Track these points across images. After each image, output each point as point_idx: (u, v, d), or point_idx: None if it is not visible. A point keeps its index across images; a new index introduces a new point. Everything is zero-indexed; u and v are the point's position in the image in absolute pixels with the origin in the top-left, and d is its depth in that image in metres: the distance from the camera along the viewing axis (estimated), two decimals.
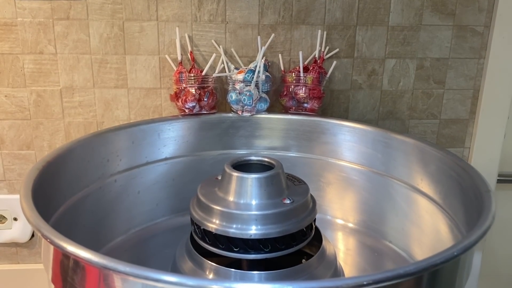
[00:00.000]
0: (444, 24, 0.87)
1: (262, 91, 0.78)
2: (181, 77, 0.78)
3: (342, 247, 0.75)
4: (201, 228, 0.58)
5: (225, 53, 0.84)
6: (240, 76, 0.78)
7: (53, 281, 0.48)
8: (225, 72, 0.81)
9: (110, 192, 0.71)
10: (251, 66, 0.80)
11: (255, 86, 0.77)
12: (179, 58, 0.82)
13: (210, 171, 0.75)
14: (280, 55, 0.85)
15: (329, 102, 0.89)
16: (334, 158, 0.78)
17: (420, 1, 0.85)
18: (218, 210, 0.57)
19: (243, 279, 0.56)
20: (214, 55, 0.81)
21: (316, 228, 0.63)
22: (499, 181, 0.96)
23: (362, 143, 0.76)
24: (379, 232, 0.75)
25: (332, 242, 0.65)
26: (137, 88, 0.85)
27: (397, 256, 0.71)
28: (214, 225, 0.56)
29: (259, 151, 0.80)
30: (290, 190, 0.60)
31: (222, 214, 0.56)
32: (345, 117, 0.90)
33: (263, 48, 0.79)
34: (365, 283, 0.39)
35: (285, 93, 0.82)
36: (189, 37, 0.83)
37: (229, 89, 0.79)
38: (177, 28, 0.82)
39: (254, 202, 0.57)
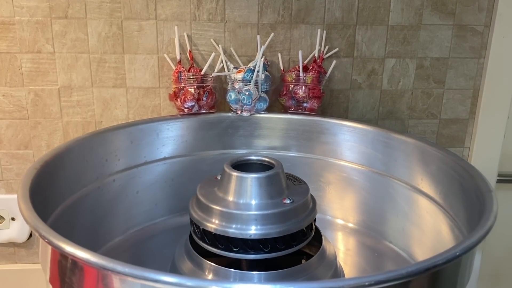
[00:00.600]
0: (444, 23, 0.87)
1: (261, 91, 0.78)
2: (180, 77, 0.78)
3: (342, 247, 0.75)
4: (201, 228, 0.57)
5: (224, 52, 0.84)
6: (240, 76, 0.77)
7: (51, 281, 0.48)
8: (224, 71, 0.81)
9: (108, 192, 0.71)
10: (251, 65, 0.80)
11: (255, 85, 0.77)
12: (178, 57, 0.81)
13: (209, 171, 0.75)
14: (279, 55, 0.85)
15: (328, 102, 0.89)
16: (334, 158, 0.78)
17: (420, 0, 0.85)
18: (217, 210, 0.56)
19: (242, 280, 0.56)
20: (213, 54, 0.81)
21: (316, 228, 0.62)
22: (499, 181, 0.96)
23: (362, 143, 0.75)
24: (379, 232, 0.75)
25: (332, 242, 0.64)
26: (135, 87, 0.85)
27: (397, 257, 0.71)
28: (213, 225, 0.56)
29: (258, 151, 0.80)
30: (290, 190, 0.60)
31: (222, 214, 0.56)
32: (345, 117, 0.90)
33: (262, 47, 0.78)
34: (366, 283, 0.39)
35: (284, 92, 0.82)
36: (188, 36, 0.83)
37: (228, 88, 0.79)
38: (176, 27, 0.82)
39: (253, 202, 0.57)
